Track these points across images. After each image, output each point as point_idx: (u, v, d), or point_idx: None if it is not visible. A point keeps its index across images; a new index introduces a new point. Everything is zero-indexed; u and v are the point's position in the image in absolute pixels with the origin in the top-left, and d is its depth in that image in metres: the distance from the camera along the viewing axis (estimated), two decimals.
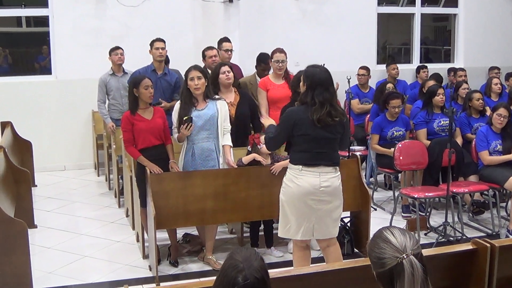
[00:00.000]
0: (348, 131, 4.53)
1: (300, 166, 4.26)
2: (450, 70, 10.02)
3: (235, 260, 2.16)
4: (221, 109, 5.25)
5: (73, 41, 8.78)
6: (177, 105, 5.29)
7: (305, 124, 4.21)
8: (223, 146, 5.26)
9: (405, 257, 2.15)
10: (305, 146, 4.25)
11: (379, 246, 2.21)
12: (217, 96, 5.37)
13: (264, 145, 5.16)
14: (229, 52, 7.08)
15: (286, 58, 6.32)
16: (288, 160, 5.11)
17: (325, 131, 4.24)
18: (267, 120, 4.81)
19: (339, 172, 4.40)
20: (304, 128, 4.22)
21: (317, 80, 4.23)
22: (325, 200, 4.31)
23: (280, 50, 6.33)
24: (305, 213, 4.30)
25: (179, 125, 5.12)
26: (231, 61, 7.02)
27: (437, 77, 8.84)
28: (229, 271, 2.13)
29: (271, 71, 6.62)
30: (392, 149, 6.61)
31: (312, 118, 4.18)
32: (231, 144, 5.32)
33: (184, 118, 5.04)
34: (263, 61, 6.90)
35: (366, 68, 8.92)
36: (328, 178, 4.29)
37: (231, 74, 5.77)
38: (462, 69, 9.55)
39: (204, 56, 6.96)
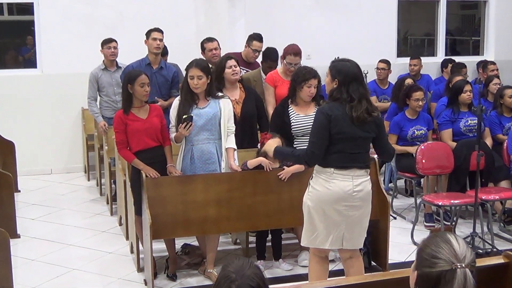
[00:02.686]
0: (384, 130, 4.53)
1: (332, 169, 4.27)
2: (479, 63, 10.00)
3: (227, 272, 2.23)
4: (224, 108, 5.27)
5: (61, 31, 8.81)
6: (176, 101, 5.31)
7: (341, 121, 4.22)
8: (226, 149, 5.28)
9: (462, 266, 2.16)
10: (339, 146, 4.26)
11: (438, 245, 2.22)
12: (220, 94, 5.38)
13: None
14: (257, 53, 7.04)
15: (301, 58, 6.23)
16: (298, 165, 5.09)
17: (361, 130, 4.27)
18: (267, 146, 4.64)
19: (369, 176, 4.44)
20: (339, 126, 4.23)
21: (351, 74, 4.27)
22: (357, 206, 4.34)
23: (296, 52, 6.14)
24: (335, 221, 4.32)
25: (178, 123, 5.14)
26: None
27: (459, 66, 8.89)
28: (222, 283, 2.21)
29: (278, 67, 6.57)
30: (414, 147, 6.63)
31: (350, 115, 4.21)
32: (235, 147, 5.34)
33: (184, 117, 5.05)
34: (269, 57, 6.80)
35: (386, 62, 8.92)
36: (360, 182, 4.32)
37: (238, 69, 5.79)
38: (493, 63, 9.53)
39: (203, 49, 6.97)
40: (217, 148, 5.26)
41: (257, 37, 7.13)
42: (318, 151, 4.24)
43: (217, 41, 7.01)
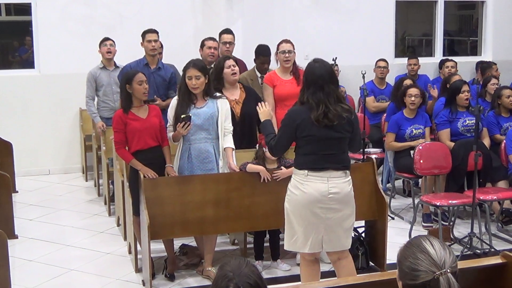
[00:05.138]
0: (357, 129, 4.45)
1: (306, 171, 4.25)
2: (478, 64, 10.00)
3: (224, 271, 2.25)
4: (222, 108, 5.28)
5: (59, 31, 8.81)
6: (173, 101, 5.33)
7: (309, 124, 4.21)
8: (224, 149, 5.28)
9: (442, 273, 2.15)
10: (311, 148, 4.25)
11: (415, 256, 2.21)
12: (218, 94, 5.39)
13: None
14: (227, 45, 7.05)
15: (294, 49, 6.31)
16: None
17: (332, 130, 4.23)
18: (263, 112, 4.66)
19: (349, 177, 4.39)
20: (308, 129, 4.22)
21: (312, 77, 4.24)
22: (335, 208, 4.30)
23: (287, 41, 6.30)
24: (313, 223, 4.30)
25: (176, 123, 5.14)
26: (235, 56, 7.00)
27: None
28: (219, 282, 2.23)
29: (277, 66, 6.57)
30: (417, 141, 6.72)
31: (313, 118, 4.19)
32: (233, 147, 5.34)
33: (182, 116, 5.05)
34: (261, 53, 6.76)
35: (386, 61, 8.94)
36: (337, 184, 4.28)
37: (237, 68, 5.79)
38: (495, 64, 9.54)
39: (202, 45, 6.93)
40: (214, 147, 5.27)
41: (224, 31, 7.16)
42: (279, 145, 4.38)
43: (217, 42, 6.95)
